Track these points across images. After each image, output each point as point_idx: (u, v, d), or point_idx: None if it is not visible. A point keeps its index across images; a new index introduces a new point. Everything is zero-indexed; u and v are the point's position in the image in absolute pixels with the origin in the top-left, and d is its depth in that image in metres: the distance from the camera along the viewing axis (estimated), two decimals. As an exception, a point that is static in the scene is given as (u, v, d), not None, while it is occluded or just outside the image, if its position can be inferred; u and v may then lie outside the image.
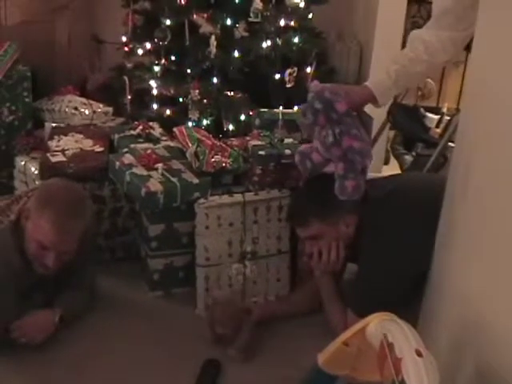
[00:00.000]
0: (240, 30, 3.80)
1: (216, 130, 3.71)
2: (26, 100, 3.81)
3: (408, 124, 4.10)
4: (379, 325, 1.73)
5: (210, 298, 2.89)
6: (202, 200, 2.86)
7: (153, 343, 2.67)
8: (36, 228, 2.47)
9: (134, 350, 2.63)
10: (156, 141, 3.33)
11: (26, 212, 2.53)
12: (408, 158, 4.21)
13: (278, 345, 2.70)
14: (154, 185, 2.83)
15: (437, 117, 4.14)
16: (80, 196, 2.64)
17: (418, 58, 2.56)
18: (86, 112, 3.87)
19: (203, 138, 3.17)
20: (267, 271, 3.00)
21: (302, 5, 4.02)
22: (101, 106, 4.00)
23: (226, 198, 2.90)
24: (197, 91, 3.71)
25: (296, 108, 3.76)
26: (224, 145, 3.15)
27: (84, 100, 3.99)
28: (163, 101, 3.92)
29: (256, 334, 2.70)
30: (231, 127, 3.75)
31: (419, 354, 1.53)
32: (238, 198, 2.91)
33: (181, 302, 2.97)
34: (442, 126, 4.05)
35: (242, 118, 3.77)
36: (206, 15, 3.74)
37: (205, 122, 3.75)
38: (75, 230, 2.52)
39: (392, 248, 2.50)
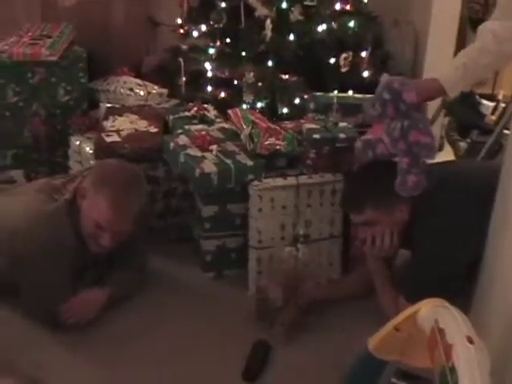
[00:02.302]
0: (295, 14, 3.79)
1: (270, 112, 3.70)
2: (82, 81, 3.83)
3: (463, 110, 4.07)
4: (430, 310, 1.72)
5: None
6: (255, 182, 2.87)
7: (204, 324, 2.69)
8: (93, 207, 2.50)
9: (184, 330, 2.65)
10: (210, 122, 3.35)
11: (82, 191, 2.56)
12: (463, 145, 4.17)
13: (328, 328, 2.70)
14: (208, 166, 2.84)
15: (492, 104, 4.12)
16: (137, 176, 2.66)
17: (486, 48, 2.49)
18: (141, 93, 3.89)
19: (258, 121, 3.15)
20: (319, 255, 3.00)
21: (357, -11, 4.02)
22: (156, 87, 4.01)
23: (279, 181, 2.90)
24: (251, 74, 3.71)
25: (351, 92, 3.76)
26: (278, 128, 3.14)
27: (139, 81, 4.01)
28: (218, 83, 3.94)
29: (302, 315, 2.69)
30: (285, 110, 3.74)
31: (470, 341, 1.52)
32: (291, 180, 2.91)
33: (232, 283, 2.99)
34: (498, 113, 4.01)
35: (297, 101, 3.75)
36: (261, -2, 3.74)
37: (259, 104, 3.74)
38: (131, 210, 2.55)
39: (446, 235, 2.48)
